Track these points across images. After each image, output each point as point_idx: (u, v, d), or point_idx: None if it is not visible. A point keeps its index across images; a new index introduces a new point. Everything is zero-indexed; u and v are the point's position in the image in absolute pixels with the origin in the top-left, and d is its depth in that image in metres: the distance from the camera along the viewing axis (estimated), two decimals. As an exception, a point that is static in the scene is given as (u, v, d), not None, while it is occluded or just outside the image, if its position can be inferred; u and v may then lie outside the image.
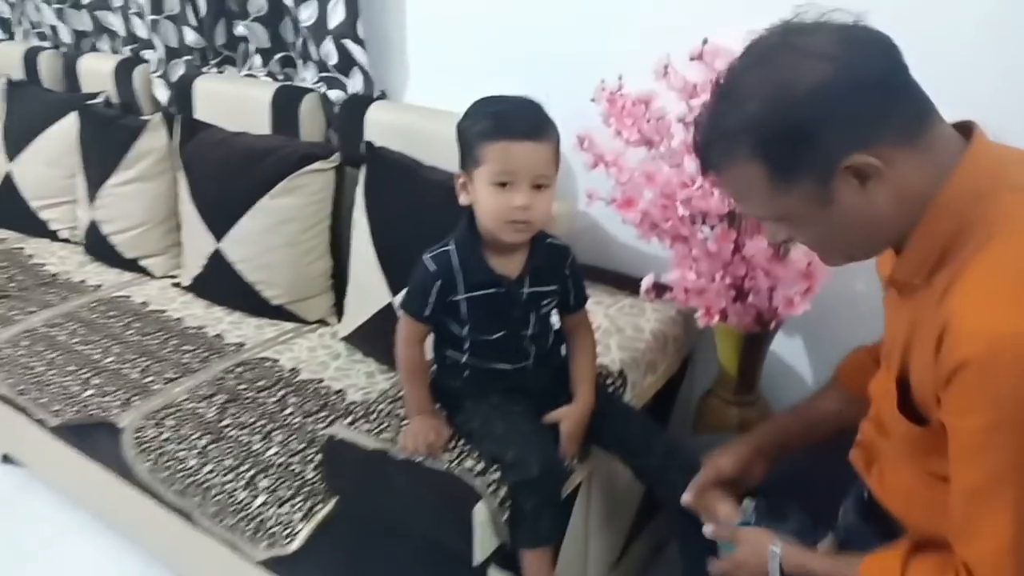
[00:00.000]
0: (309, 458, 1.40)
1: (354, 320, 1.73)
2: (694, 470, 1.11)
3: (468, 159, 1.14)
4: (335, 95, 1.92)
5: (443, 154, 1.44)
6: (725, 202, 1.29)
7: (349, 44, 1.83)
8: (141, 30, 2.29)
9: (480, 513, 1.13)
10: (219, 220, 1.89)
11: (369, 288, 1.67)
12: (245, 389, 1.60)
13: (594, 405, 1.24)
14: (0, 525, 1.90)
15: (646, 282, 1.45)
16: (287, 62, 2.07)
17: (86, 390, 1.65)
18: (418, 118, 1.77)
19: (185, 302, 1.98)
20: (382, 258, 1.65)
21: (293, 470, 1.38)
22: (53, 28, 2.56)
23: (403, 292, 1.27)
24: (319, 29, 1.85)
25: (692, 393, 1.68)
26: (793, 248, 1.31)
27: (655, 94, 1.35)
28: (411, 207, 1.62)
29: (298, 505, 1.32)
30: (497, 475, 1.17)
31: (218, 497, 1.38)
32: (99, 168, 2.15)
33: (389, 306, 1.61)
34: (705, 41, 1.30)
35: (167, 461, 1.46)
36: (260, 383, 1.62)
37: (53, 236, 2.35)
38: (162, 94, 2.24)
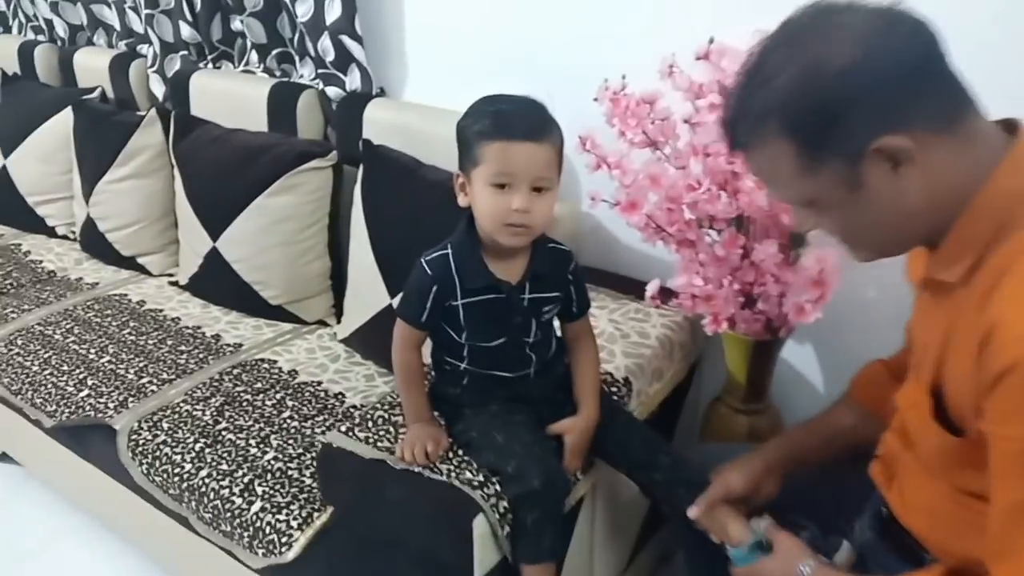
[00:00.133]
0: (306, 464, 1.38)
1: (353, 322, 1.70)
2: (701, 485, 1.08)
3: (466, 159, 1.11)
4: (333, 92, 1.89)
5: (442, 153, 1.41)
6: (733, 205, 1.26)
7: (347, 40, 1.80)
8: (137, 25, 2.27)
9: (480, 526, 1.10)
10: (215, 219, 1.87)
11: (368, 289, 1.64)
12: (242, 391, 1.58)
13: (599, 418, 1.21)
14: (-2, 525, 1.89)
15: (651, 288, 1.42)
16: (284, 58, 2.04)
17: (81, 391, 1.63)
18: (417, 116, 1.75)
19: (182, 301, 1.95)
20: (380, 259, 1.62)
21: (290, 476, 1.36)
22: (48, 22, 2.54)
23: (400, 295, 1.24)
24: (316, 25, 1.81)
25: (699, 400, 1.64)
26: (804, 254, 1.28)
27: (660, 94, 1.31)
28: (410, 207, 1.59)
29: (295, 512, 1.29)
30: (498, 487, 1.14)
31: (214, 503, 1.36)
32: (94, 164, 2.13)
33: (388, 308, 1.58)
34: (712, 40, 1.26)
35: (162, 465, 1.44)
36: (258, 385, 1.59)
37: (51, 232, 2.34)
38: (158, 89, 2.21)
